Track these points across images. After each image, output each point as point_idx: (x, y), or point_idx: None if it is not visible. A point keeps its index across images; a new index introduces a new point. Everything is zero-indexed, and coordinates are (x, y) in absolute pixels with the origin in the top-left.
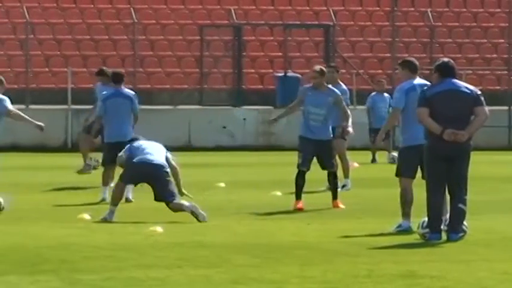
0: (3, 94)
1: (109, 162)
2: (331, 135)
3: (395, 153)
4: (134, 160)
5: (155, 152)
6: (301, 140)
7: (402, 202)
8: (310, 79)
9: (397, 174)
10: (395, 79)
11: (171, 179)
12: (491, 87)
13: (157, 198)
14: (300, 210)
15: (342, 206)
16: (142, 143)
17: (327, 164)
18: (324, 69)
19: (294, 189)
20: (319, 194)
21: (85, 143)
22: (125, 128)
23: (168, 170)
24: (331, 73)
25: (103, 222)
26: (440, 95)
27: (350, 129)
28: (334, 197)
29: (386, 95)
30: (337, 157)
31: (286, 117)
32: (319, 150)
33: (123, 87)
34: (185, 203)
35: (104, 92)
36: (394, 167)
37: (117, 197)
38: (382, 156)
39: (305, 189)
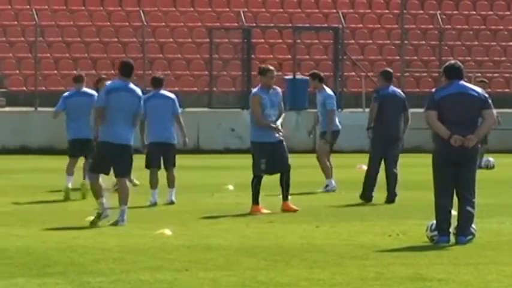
0: None
1: (154, 165)
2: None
3: (490, 158)
4: None
5: None
6: None
7: None
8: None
9: None
10: (403, 82)
11: None
12: (500, 90)
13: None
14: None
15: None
16: None
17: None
18: None
19: (299, 191)
20: (326, 195)
21: None
22: (168, 129)
23: None
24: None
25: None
26: (449, 98)
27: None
28: None
29: None
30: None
31: (295, 120)
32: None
33: (162, 90)
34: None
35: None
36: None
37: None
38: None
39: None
